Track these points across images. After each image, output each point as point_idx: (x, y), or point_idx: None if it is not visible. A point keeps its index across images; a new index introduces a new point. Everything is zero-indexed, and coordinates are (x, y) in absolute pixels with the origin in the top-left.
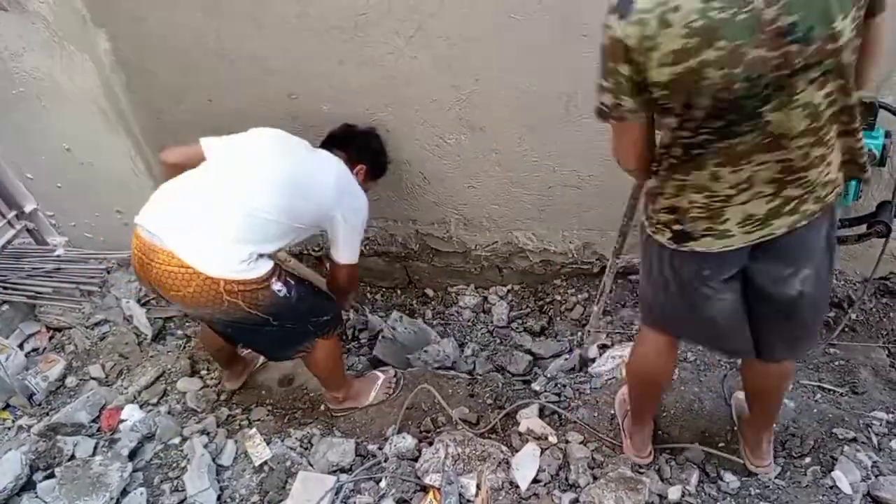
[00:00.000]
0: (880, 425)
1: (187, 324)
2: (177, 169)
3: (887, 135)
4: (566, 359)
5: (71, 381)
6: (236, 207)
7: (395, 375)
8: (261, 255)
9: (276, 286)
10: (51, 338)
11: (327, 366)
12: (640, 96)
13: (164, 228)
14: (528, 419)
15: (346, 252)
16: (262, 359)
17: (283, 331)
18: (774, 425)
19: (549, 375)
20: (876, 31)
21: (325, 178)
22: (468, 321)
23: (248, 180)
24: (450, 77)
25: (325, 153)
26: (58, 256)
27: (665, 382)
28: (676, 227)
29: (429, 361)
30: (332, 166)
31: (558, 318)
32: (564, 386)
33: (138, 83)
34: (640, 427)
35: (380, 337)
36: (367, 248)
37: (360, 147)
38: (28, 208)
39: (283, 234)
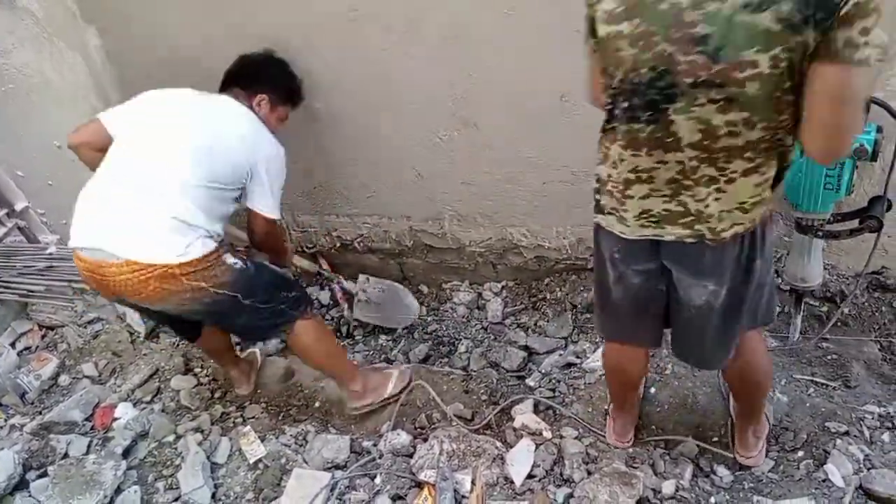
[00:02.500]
0: (872, 419)
1: None
2: (86, 148)
3: (878, 130)
4: (560, 354)
5: (64, 379)
6: (163, 189)
7: (407, 368)
8: (205, 233)
9: (230, 259)
10: (43, 336)
11: (320, 350)
12: (593, 38)
13: (102, 240)
14: (523, 415)
15: (262, 201)
16: (259, 357)
17: (257, 310)
18: (767, 422)
19: (543, 371)
20: (819, 85)
21: (233, 132)
22: (462, 317)
23: (166, 157)
24: (443, 73)
25: (225, 102)
26: (50, 254)
27: (638, 377)
28: (597, 195)
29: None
30: (238, 120)
31: (552, 314)
32: (559, 381)
33: (129, 79)
34: (620, 414)
35: (355, 301)
36: (361, 244)
37: (254, 77)
38: (19, 206)
39: (216, 199)
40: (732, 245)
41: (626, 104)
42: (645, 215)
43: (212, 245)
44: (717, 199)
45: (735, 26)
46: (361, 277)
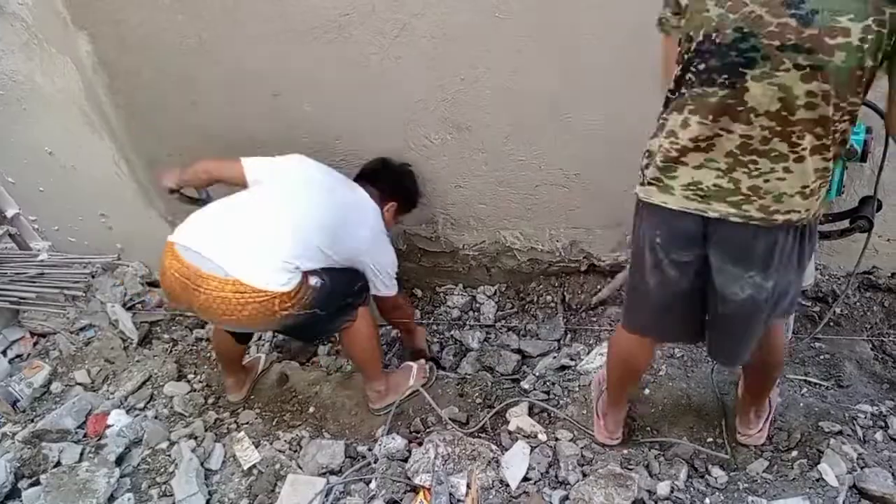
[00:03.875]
0: (865, 418)
1: (173, 327)
2: (206, 176)
3: (868, 130)
4: (554, 357)
5: (56, 386)
6: (289, 235)
7: (426, 363)
8: (298, 269)
9: (313, 281)
10: (35, 343)
11: (372, 340)
12: (678, 16)
13: (218, 252)
14: (518, 417)
15: (381, 288)
16: (262, 365)
17: (330, 316)
18: (770, 405)
19: (537, 374)
20: None
21: (361, 229)
22: (456, 321)
23: (298, 208)
24: (435, 77)
25: (363, 196)
26: (41, 261)
27: (643, 369)
28: (644, 171)
29: None
30: (368, 217)
31: (545, 317)
32: (553, 384)
33: (121, 85)
34: (614, 409)
35: None
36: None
37: (394, 185)
38: (10, 213)
39: (322, 261)
40: (784, 234)
41: (702, 66)
42: (693, 187)
43: (301, 275)
44: (781, 179)
45: None
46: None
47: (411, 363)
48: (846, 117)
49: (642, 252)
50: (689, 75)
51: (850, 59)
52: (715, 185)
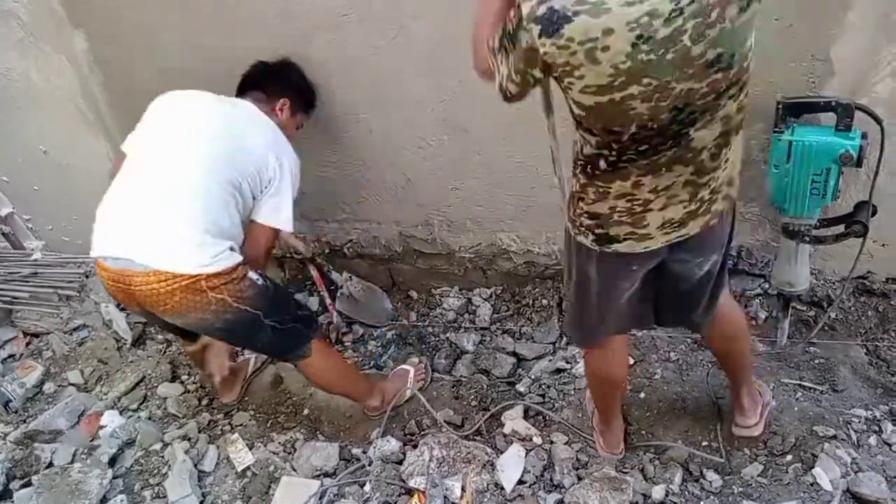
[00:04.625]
0: (859, 422)
1: None
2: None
3: (863, 136)
4: (550, 360)
5: (49, 387)
6: (187, 195)
7: (420, 362)
8: (229, 244)
9: (253, 275)
10: (28, 343)
11: (331, 374)
12: (530, 74)
13: (127, 248)
14: (513, 420)
15: (276, 215)
16: (252, 366)
17: (276, 329)
18: (761, 394)
19: (533, 377)
20: None
21: (260, 142)
22: (452, 323)
23: (188, 162)
24: (432, 78)
25: (247, 108)
26: (35, 261)
27: (620, 383)
28: (599, 230)
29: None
30: (262, 126)
31: (541, 320)
32: (549, 387)
33: (116, 83)
34: (608, 426)
35: (338, 294)
36: (350, 250)
37: (276, 82)
38: (4, 212)
39: (235, 203)
40: (727, 216)
41: (644, 146)
42: (667, 224)
43: (238, 258)
44: (725, 170)
45: (736, 33)
46: (345, 275)
47: (407, 367)
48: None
49: (603, 284)
50: (626, 155)
51: (751, 62)
52: (686, 213)
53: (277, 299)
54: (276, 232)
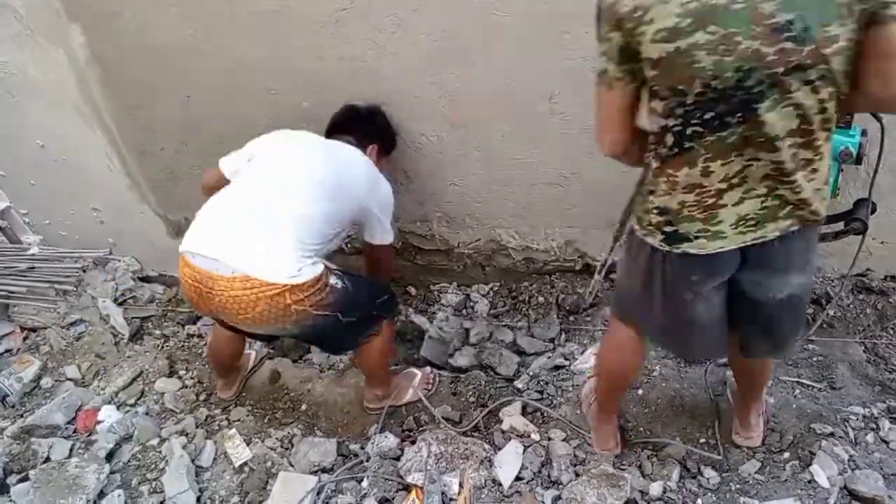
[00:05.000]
0: (857, 420)
1: (165, 323)
2: (208, 193)
3: (863, 133)
4: (549, 356)
5: (46, 382)
6: (285, 213)
7: (431, 372)
8: (313, 259)
9: (333, 280)
10: (25, 338)
11: (385, 356)
12: (627, 65)
13: (219, 250)
14: (511, 417)
15: (384, 234)
16: (251, 363)
17: (352, 324)
18: (763, 402)
19: (531, 373)
20: (886, 44)
21: (355, 175)
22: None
23: (291, 184)
24: (431, 74)
25: (343, 146)
26: (32, 255)
27: (632, 377)
28: (668, 228)
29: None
30: (356, 160)
31: (539, 316)
32: (547, 383)
33: (114, 78)
34: (604, 421)
35: (426, 337)
36: (349, 246)
37: (367, 127)
38: (0, 206)
39: (328, 231)
40: (811, 229)
41: (709, 114)
42: (743, 221)
43: (320, 268)
44: (810, 180)
45: (812, 5)
46: (441, 314)
47: (416, 370)
48: (842, 96)
49: (667, 289)
50: (692, 128)
51: (845, 61)
52: (762, 209)
53: (358, 297)
54: (388, 246)
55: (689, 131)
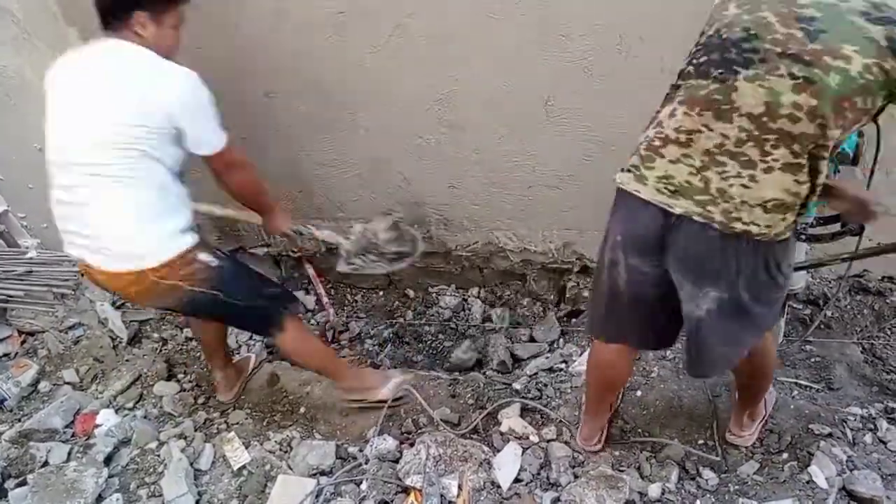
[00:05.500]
0: (855, 420)
1: (163, 326)
2: None
3: (859, 134)
4: (547, 357)
5: (44, 385)
6: (104, 181)
7: (411, 378)
8: (179, 231)
9: (203, 256)
10: (23, 342)
11: (303, 351)
12: None
13: (79, 251)
14: (510, 419)
15: (202, 141)
16: (252, 365)
17: (237, 307)
18: (764, 409)
19: (529, 374)
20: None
21: (141, 86)
22: (448, 321)
23: (93, 146)
24: (429, 77)
25: (111, 53)
26: (30, 259)
27: (622, 382)
28: (631, 159)
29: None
30: (141, 69)
31: (538, 318)
32: (545, 385)
33: None
34: (592, 417)
35: (340, 256)
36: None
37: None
38: None
39: (160, 176)
40: (745, 247)
41: (703, 58)
42: (665, 180)
43: (185, 243)
44: (745, 187)
45: (845, 21)
46: (357, 226)
47: (397, 373)
48: (826, 144)
49: (603, 251)
50: (689, 68)
51: (844, 86)
52: (686, 182)
53: (238, 279)
54: (219, 154)
55: (687, 69)
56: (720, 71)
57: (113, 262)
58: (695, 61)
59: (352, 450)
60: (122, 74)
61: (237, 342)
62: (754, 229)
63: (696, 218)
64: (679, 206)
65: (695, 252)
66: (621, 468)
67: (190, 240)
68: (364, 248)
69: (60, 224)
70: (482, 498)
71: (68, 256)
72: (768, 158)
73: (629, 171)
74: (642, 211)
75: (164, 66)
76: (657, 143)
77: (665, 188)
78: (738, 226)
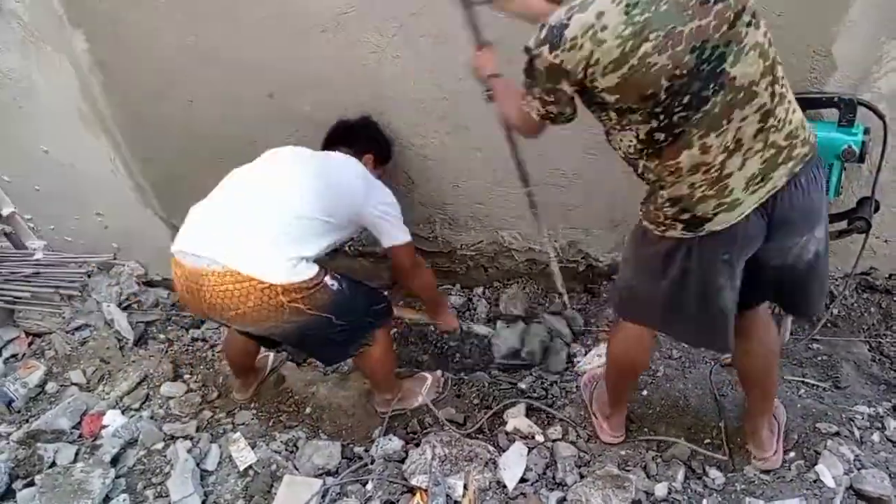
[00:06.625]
0: (862, 419)
1: (169, 327)
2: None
3: (866, 131)
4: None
5: (51, 386)
6: (277, 212)
7: (442, 376)
8: (308, 258)
9: (329, 281)
10: (30, 343)
11: (385, 363)
12: (575, 101)
13: (209, 248)
14: (515, 418)
15: (394, 233)
16: (269, 366)
17: (346, 328)
18: (777, 420)
19: (535, 374)
20: None
21: (350, 175)
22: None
23: (282, 186)
24: (432, 76)
25: (336, 154)
26: (37, 260)
27: (642, 368)
28: (685, 215)
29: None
30: (349, 164)
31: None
32: (551, 384)
33: (117, 84)
34: (616, 409)
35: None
36: (352, 248)
37: (360, 138)
38: (5, 212)
39: (325, 234)
40: (819, 177)
41: (686, 98)
42: (751, 181)
43: (316, 268)
44: (790, 111)
45: None
46: (500, 324)
47: (427, 374)
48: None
49: (701, 279)
50: (677, 116)
51: None
52: (764, 162)
53: (354, 301)
54: (403, 246)
55: (675, 118)
56: (713, 84)
57: (250, 266)
58: (679, 106)
59: (357, 450)
60: (347, 165)
61: None
62: (812, 138)
63: (797, 169)
64: (780, 179)
65: (800, 205)
66: (627, 468)
67: (318, 267)
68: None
69: (201, 220)
70: (488, 498)
71: (74, 258)
72: (783, 79)
73: (717, 212)
74: (749, 223)
75: (374, 178)
76: (716, 174)
77: (757, 185)
78: (812, 138)
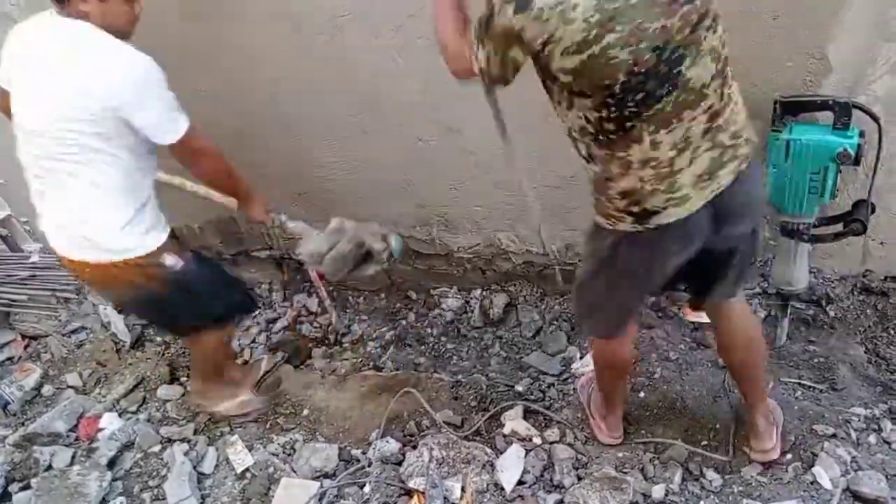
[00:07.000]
0: (859, 421)
1: None
2: (7, 112)
3: (861, 134)
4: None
5: (47, 389)
6: (66, 174)
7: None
8: (148, 229)
9: (170, 260)
10: (26, 346)
11: (217, 356)
12: (520, 65)
13: (52, 239)
14: (513, 421)
15: (161, 130)
16: (263, 368)
17: (193, 306)
18: (773, 414)
19: (532, 376)
20: None
21: (92, 79)
22: (450, 324)
23: (49, 137)
24: (429, 78)
25: (69, 31)
26: (33, 263)
27: (629, 366)
28: (635, 208)
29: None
30: (93, 53)
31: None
32: (548, 387)
33: None
34: (612, 410)
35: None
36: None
37: None
38: (1, 214)
39: (119, 164)
40: (756, 172)
41: (640, 95)
42: (699, 179)
43: (152, 243)
44: (735, 112)
45: None
46: (334, 221)
47: (249, 392)
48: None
49: (648, 270)
50: (628, 110)
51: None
52: (712, 161)
53: (202, 282)
54: (180, 141)
55: (626, 112)
56: (667, 85)
57: (82, 250)
58: (631, 102)
59: (355, 452)
60: (59, 62)
61: (239, 345)
62: (753, 138)
63: (741, 168)
64: (725, 178)
65: (746, 200)
66: (624, 469)
67: (158, 242)
68: (331, 245)
69: (35, 202)
70: (485, 500)
71: None
72: (730, 77)
73: (667, 206)
74: (695, 217)
75: (106, 50)
76: (665, 170)
77: (706, 182)
78: (754, 137)
